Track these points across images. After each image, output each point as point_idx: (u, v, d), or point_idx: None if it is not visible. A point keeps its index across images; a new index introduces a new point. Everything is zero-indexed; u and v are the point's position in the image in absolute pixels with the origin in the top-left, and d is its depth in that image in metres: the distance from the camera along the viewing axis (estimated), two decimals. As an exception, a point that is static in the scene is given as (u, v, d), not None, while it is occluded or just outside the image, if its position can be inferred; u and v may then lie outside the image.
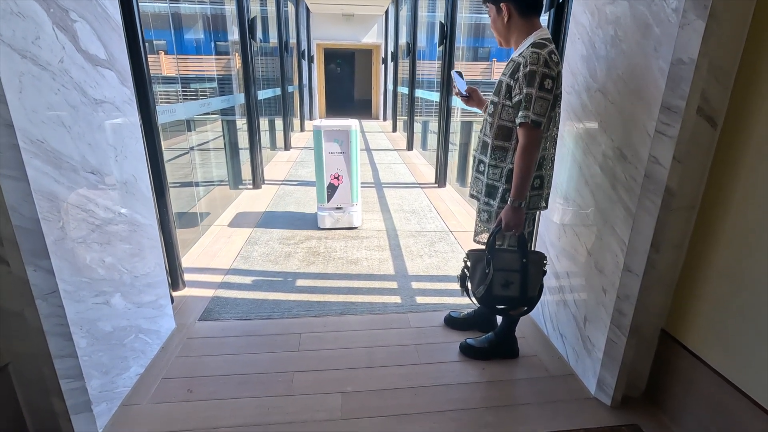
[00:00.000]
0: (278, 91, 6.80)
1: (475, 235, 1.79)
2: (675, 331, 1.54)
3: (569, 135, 1.81)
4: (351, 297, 2.41)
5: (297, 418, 1.54)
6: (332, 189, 3.31)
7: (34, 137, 1.17)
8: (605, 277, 1.59)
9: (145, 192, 1.76)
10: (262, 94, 5.78)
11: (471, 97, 1.79)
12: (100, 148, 1.46)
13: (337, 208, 3.36)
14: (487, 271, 1.60)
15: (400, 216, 3.84)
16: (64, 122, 1.29)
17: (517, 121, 1.47)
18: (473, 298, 1.69)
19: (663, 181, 1.33)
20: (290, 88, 8.16)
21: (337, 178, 3.28)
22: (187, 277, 2.52)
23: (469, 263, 1.68)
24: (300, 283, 2.57)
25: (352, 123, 3.19)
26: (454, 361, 1.88)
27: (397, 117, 9.62)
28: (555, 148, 1.64)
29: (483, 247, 1.67)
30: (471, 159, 1.88)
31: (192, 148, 4.24)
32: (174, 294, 2.31)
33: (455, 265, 2.85)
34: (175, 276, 2.36)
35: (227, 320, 2.15)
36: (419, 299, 2.42)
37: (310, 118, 11.95)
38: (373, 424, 1.52)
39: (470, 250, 1.68)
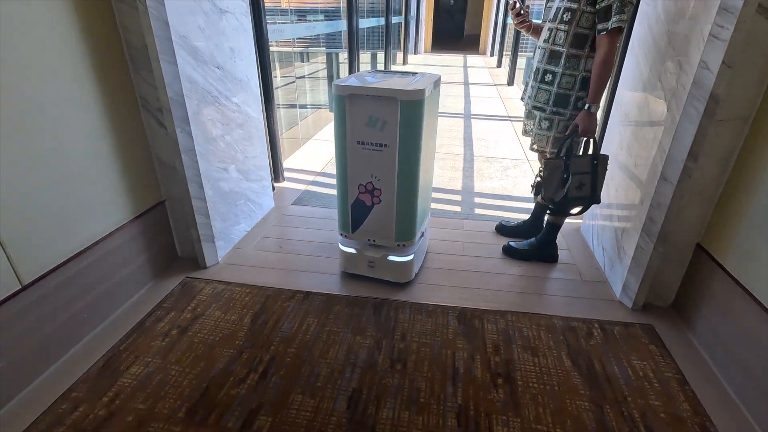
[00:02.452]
0: (382, 20, 6.94)
1: (533, 144, 1.93)
2: (711, 247, 1.58)
3: (640, 44, 1.80)
4: (417, 203, 2.74)
5: (354, 274, 1.97)
6: (361, 210, 1.73)
7: (180, 33, 1.62)
8: (644, 187, 1.66)
9: (254, 90, 2.22)
10: (366, 23, 6.01)
11: (526, 17, 1.87)
12: (223, 49, 1.91)
13: (372, 244, 1.81)
14: (565, 175, 1.72)
15: (481, 144, 3.95)
16: (200, 25, 1.73)
17: (610, 25, 1.53)
18: (547, 203, 1.85)
19: (709, 87, 1.34)
20: (395, 19, 8.21)
21: (371, 192, 1.68)
22: (286, 174, 3.06)
23: (545, 172, 1.75)
24: (376, 188, 2.96)
25: (423, 81, 1.58)
26: (493, 257, 2.13)
27: (504, 53, 9.14)
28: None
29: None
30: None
31: (301, 77, 4.74)
32: (275, 184, 2.87)
33: (523, 188, 2.97)
34: (277, 170, 2.90)
35: (314, 207, 2.64)
36: (477, 211, 2.64)
37: (415, 52, 11.86)
38: (410, 285, 1.89)
39: (546, 159, 1.78)
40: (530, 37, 1.96)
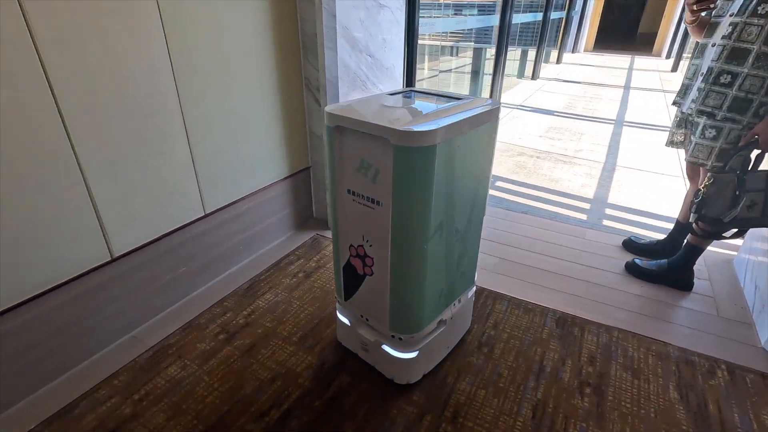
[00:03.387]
0: (539, 16, 6.64)
1: (690, 155, 1.69)
2: None
3: None
4: (537, 204, 2.66)
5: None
6: (353, 277, 1.29)
7: (343, 24, 1.89)
8: (821, 221, 1.38)
9: (398, 78, 2.43)
10: (520, 18, 5.84)
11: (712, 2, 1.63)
12: (376, 39, 2.14)
13: (366, 322, 1.35)
14: (737, 192, 1.51)
15: (627, 154, 3.59)
16: (360, 17, 1.98)
17: None
18: (706, 223, 1.63)
19: None
20: (554, 15, 7.75)
21: (362, 258, 1.22)
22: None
23: (711, 188, 1.55)
24: (499, 184, 2.95)
25: (449, 114, 1.05)
26: (612, 271, 1.99)
27: (683, 55, 7.90)
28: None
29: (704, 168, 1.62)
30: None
31: (446, 71, 4.89)
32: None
33: (665, 205, 2.65)
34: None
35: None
36: (606, 222, 2.46)
37: (573, 50, 11.01)
38: (505, 280, 1.89)
39: (715, 174, 1.56)
40: (692, 34, 1.74)
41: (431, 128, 0.96)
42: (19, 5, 1.07)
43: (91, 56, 1.23)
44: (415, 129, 0.95)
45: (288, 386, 1.36)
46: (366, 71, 2.12)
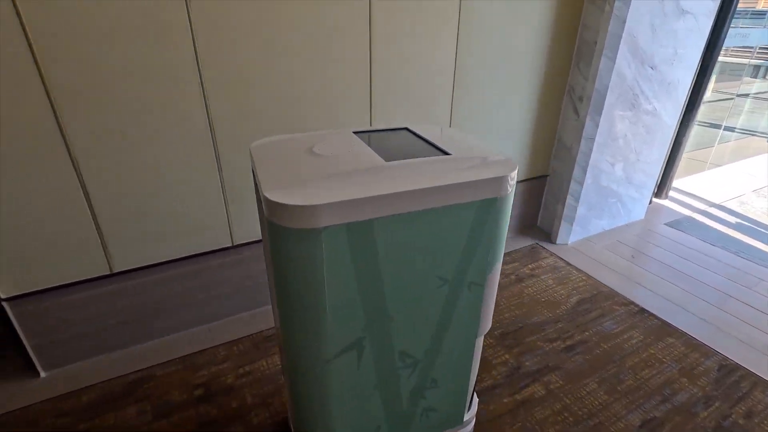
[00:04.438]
0: None
1: None
2: None
3: None
4: None
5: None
6: None
7: (630, 32, 1.75)
8: None
9: (680, 97, 2.10)
10: None
11: None
12: (666, 50, 1.90)
13: None
14: None
15: None
16: (653, 24, 1.79)
17: None
18: None
19: None
20: None
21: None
22: (672, 193, 2.77)
23: None
24: (795, 248, 2.24)
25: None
26: None
27: None
28: None
29: None
30: None
31: (743, 95, 3.93)
32: (654, 198, 2.66)
33: None
34: (663, 185, 2.67)
35: (691, 236, 2.32)
36: None
37: None
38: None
39: None
40: None
41: (312, 202, 0.61)
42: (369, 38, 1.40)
43: (394, 56, 1.52)
44: (289, 202, 0.61)
45: (482, 373, 1.41)
46: (642, 85, 1.92)
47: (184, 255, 1.44)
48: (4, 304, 1.23)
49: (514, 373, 1.42)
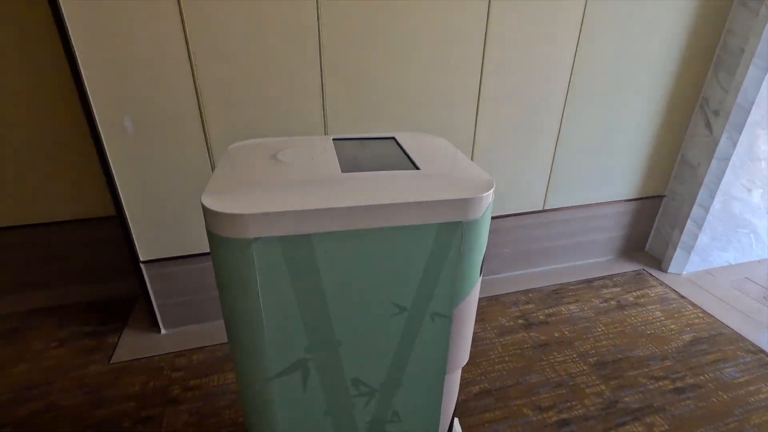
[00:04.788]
0: None
1: None
2: None
3: None
4: None
5: None
6: None
7: (792, 39, 1.51)
8: None
9: None
10: None
11: None
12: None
13: None
14: None
15: None
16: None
17: None
18: None
19: None
20: None
21: None
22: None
23: None
24: None
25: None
26: None
27: None
28: None
29: None
30: None
31: None
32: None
33: None
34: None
35: None
36: None
37: None
38: None
39: None
40: None
41: (240, 211, 0.58)
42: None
43: (510, 58, 1.47)
44: (218, 209, 0.59)
45: (573, 400, 1.32)
46: (800, 100, 1.65)
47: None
48: (142, 266, 1.43)
49: (610, 406, 1.30)
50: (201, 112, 1.27)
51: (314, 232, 0.61)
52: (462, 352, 0.81)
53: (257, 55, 1.24)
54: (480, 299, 1.78)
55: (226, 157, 0.80)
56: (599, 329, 1.61)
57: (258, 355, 0.69)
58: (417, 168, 0.75)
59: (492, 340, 1.55)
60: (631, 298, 1.79)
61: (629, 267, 2.01)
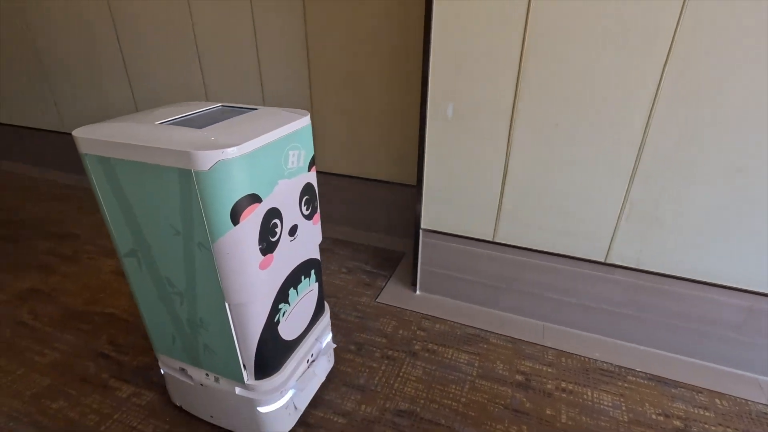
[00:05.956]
0: None
1: None
2: None
3: None
4: None
5: None
6: None
7: None
8: None
9: None
10: None
11: None
12: None
13: None
14: None
15: None
16: None
17: None
18: None
19: None
20: None
21: None
22: None
23: None
24: None
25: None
26: None
27: None
28: None
29: None
30: None
31: None
32: None
33: None
34: None
35: None
36: None
37: None
38: None
39: None
40: None
41: (76, 134, 0.92)
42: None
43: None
44: (73, 132, 0.93)
45: None
46: None
47: (561, 252, 1.46)
48: (420, 231, 1.64)
49: None
50: (513, 110, 1.32)
51: (110, 156, 0.88)
52: (232, 290, 0.94)
53: (586, 62, 1.18)
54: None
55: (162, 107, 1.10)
56: None
57: (112, 237, 1.02)
58: (200, 128, 0.90)
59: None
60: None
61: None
